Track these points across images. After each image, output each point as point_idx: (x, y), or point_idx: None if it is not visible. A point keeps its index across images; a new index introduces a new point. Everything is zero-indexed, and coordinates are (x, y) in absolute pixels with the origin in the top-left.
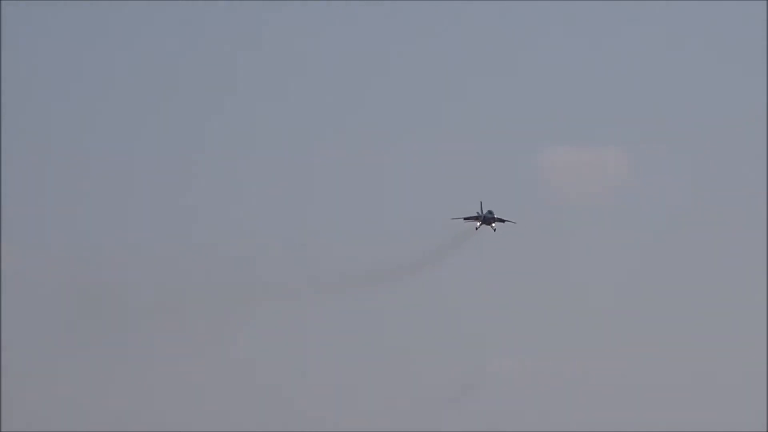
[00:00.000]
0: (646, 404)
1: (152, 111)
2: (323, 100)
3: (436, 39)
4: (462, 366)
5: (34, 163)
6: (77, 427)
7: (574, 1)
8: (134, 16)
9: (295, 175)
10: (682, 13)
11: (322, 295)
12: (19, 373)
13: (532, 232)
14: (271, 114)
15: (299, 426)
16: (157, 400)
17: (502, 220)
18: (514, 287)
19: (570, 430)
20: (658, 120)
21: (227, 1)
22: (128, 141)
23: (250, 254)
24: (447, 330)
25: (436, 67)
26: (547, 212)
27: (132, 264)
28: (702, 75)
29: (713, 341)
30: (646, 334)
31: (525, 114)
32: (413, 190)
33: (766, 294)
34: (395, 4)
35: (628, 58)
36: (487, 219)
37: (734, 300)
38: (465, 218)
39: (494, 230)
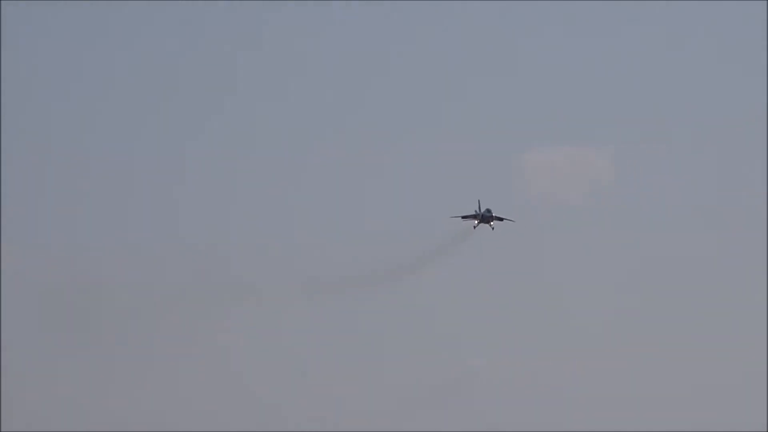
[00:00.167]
0: (645, 404)
1: (152, 111)
2: (323, 100)
3: (436, 39)
4: (454, 366)
5: (34, 163)
6: (77, 427)
7: (575, 1)
8: (134, 16)
9: (294, 175)
10: (682, 13)
11: (322, 295)
12: (19, 372)
13: (533, 232)
14: (271, 114)
15: (299, 426)
16: (157, 400)
17: (501, 219)
18: (512, 287)
19: (570, 429)
20: (658, 120)
21: (227, 1)
22: (128, 141)
23: (250, 254)
24: (446, 330)
25: (436, 67)
26: (547, 212)
27: (132, 264)
28: (702, 75)
29: (713, 341)
30: (645, 334)
31: (525, 114)
32: (413, 190)
33: (766, 294)
34: (395, 4)
35: (628, 59)
36: (486, 217)
37: (734, 300)
38: (463, 217)
39: (492, 229)
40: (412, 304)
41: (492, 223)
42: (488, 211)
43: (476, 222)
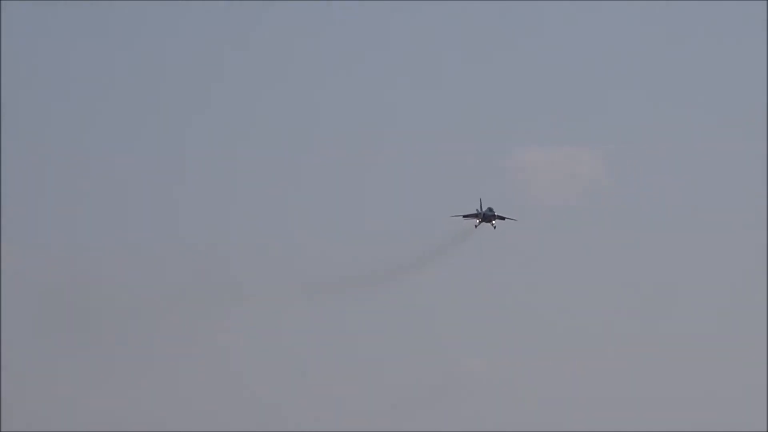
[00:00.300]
0: (645, 404)
1: (152, 111)
2: (323, 100)
3: (436, 39)
4: (454, 366)
5: (34, 163)
6: (77, 427)
7: (573, 1)
8: (134, 16)
9: (294, 175)
10: (682, 12)
11: (322, 296)
12: (19, 372)
13: (530, 233)
14: (271, 114)
15: (299, 426)
16: (157, 400)
17: (503, 218)
18: (511, 287)
19: (570, 430)
20: (655, 120)
21: (226, 1)
22: (127, 141)
23: (250, 254)
24: (446, 330)
25: (436, 67)
26: (545, 213)
27: (131, 264)
28: (700, 75)
29: (712, 341)
30: (643, 334)
31: (525, 114)
32: (412, 190)
33: (766, 294)
34: (395, 4)
35: (626, 58)
36: (487, 216)
37: (733, 300)
38: (464, 216)
39: (494, 228)
40: (412, 304)
41: (494, 222)
42: (490, 210)
43: (478, 221)
